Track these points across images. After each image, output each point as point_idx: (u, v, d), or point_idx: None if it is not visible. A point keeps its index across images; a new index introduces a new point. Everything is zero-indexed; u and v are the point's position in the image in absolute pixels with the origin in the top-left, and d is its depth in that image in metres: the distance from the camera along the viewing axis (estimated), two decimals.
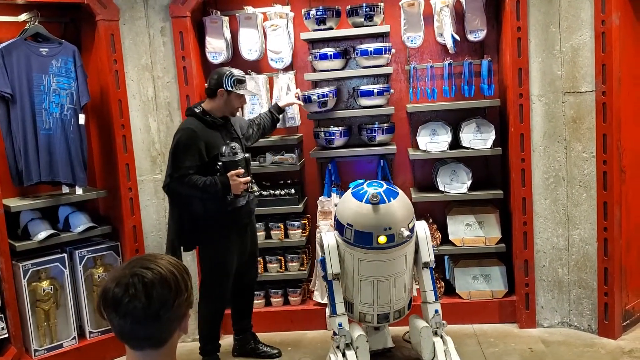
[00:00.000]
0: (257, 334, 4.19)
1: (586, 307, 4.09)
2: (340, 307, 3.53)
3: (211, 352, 3.86)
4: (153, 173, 4.30)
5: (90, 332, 4.16)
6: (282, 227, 4.48)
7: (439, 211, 4.61)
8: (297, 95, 4.26)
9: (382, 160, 4.50)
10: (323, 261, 3.57)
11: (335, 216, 3.57)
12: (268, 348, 4.11)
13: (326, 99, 4.32)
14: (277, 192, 4.47)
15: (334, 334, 3.53)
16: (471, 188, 4.34)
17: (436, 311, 3.59)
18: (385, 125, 4.42)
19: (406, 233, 3.30)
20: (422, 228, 3.64)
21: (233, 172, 3.52)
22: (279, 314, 4.50)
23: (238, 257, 3.80)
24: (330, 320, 3.62)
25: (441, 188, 4.34)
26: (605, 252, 3.95)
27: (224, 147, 3.60)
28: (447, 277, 4.63)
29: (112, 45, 4.07)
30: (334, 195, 4.46)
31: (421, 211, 4.67)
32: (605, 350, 3.85)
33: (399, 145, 4.54)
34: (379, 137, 4.40)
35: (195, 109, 3.67)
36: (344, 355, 3.45)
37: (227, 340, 4.26)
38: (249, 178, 3.61)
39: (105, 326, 4.14)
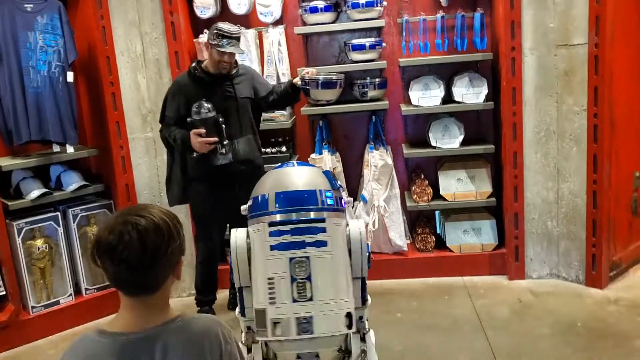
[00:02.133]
0: None
1: (574, 258, 4.17)
2: None
3: (204, 304, 3.94)
4: (144, 131, 4.28)
5: (86, 289, 4.20)
6: None
7: (431, 167, 4.64)
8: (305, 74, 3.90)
9: (373, 117, 4.48)
10: None
11: None
12: None
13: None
14: (268, 151, 4.46)
15: None
16: (463, 143, 4.36)
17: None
18: (377, 80, 4.39)
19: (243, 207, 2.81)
20: None
21: (195, 130, 3.54)
22: None
23: (228, 216, 3.82)
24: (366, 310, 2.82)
25: (433, 143, 4.35)
26: (594, 205, 4.01)
27: (193, 106, 3.58)
28: (438, 232, 4.69)
29: (98, 1, 3.99)
30: (325, 152, 4.46)
31: (413, 167, 4.72)
32: (593, 299, 3.95)
33: (391, 100, 4.52)
34: (371, 93, 4.38)
35: (193, 64, 3.73)
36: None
37: (223, 294, 4.33)
38: (214, 139, 3.55)
39: (100, 283, 4.18)
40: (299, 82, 3.76)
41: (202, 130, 3.54)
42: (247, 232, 2.68)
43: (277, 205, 2.62)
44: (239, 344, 1.61)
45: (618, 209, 4.17)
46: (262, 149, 4.45)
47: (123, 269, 1.43)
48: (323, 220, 2.62)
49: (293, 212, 2.62)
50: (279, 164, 3.00)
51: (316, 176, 2.77)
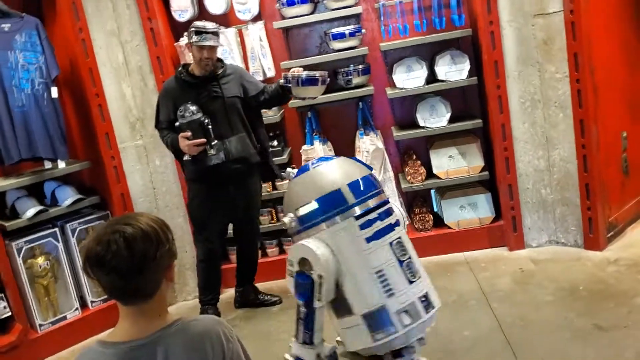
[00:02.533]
0: (257, 284, 4.30)
1: (571, 223, 4.22)
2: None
3: (208, 303, 3.97)
4: (134, 139, 4.29)
5: (92, 302, 4.23)
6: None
7: (423, 147, 4.67)
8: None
9: (360, 103, 4.51)
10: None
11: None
12: (269, 297, 4.22)
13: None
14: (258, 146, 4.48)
15: None
16: (451, 120, 4.39)
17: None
18: (360, 66, 4.42)
19: (286, 219, 2.62)
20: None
21: (182, 134, 3.59)
22: (276, 263, 4.58)
23: (227, 214, 3.86)
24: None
25: (421, 124, 4.38)
26: (585, 169, 4.05)
27: (179, 109, 3.61)
28: (436, 210, 4.74)
29: (75, 14, 3.99)
30: (316, 142, 4.49)
31: (405, 149, 4.75)
32: (592, 262, 4.00)
33: (376, 85, 4.55)
34: (356, 80, 4.41)
35: (179, 67, 3.79)
36: None
37: (229, 293, 4.37)
38: (202, 140, 3.57)
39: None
40: (282, 81, 3.73)
41: (188, 133, 3.56)
42: (322, 242, 2.46)
43: (354, 196, 2.51)
44: (241, 341, 1.63)
45: (609, 170, 4.22)
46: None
47: (115, 277, 1.45)
48: (389, 201, 2.68)
49: (370, 200, 2.57)
50: (297, 169, 2.82)
51: (352, 163, 2.73)
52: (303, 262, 2.54)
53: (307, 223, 2.54)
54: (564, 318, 3.38)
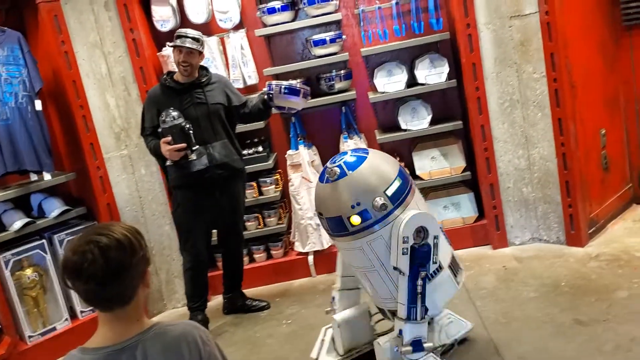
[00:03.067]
0: (245, 290, 4.33)
1: (553, 220, 4.29)
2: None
3: (196, 309, 3.99)
4: (119, 149, 4.32)
5: (81, 312, 4.25)
6: (255, 185, 4.57)
7: (406, 149, 4.73)
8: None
9: (343, 107, 4.57)
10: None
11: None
12: (257, 302, 4.26)
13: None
14: (245, 152, 4.52)
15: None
16: (432, 122, 4.46)
17: (400, 332, 2.77)
18: (342, 72, 4.48)
19: (380, 202, 2.64)
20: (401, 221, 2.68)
21: (163, 139, 3.63)
22: (264, 268, 4.63)
23: (212, 221, 3.90)
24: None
25: (403, 126, 4.45)
26: (565, 166, 4.12)
27: (161, 114, 3.65)
28: None
29: (58, 27, 4.03)
30: (301, 147, 4.54)
31: (388, 151, 4.77)
32: (575, 258, 4.06)
33: (359, 90, 4.61)
34: (338, 85, 4.47)
35: (164, 74, 3.86)
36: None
37: (218, 300, 4.41)
38: (182, 145, 3.60)
39: None
40: (265, 89, 3.76)
41: (169, 138, 3.60)
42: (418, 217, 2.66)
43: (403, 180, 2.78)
44: (218, 344, 1.67)
45: (589, 167, 4.29)
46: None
47: (92, 285, 1.49)
48: None
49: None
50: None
51: (371, 180, 2.76)
52: (418, 233, 2.69)
53: (399, 198, 2.70)
54: (547, 314, 3.44)
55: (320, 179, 2.83)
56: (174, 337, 1.58)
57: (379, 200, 2.65)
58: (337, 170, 2.72)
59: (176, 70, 3.85)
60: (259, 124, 4.47)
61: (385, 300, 2.93)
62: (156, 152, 3.77)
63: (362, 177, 2.70)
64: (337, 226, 2.76)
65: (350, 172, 2.71)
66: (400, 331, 2.77)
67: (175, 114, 3.64)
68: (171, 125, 3.62)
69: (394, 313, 2.87)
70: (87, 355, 1.55)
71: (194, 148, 3.65)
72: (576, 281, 3.75)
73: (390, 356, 2.81)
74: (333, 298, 3.22)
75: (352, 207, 2.67)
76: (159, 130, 3.69)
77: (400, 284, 2.76)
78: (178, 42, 3.68)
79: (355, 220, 2.68)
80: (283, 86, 3.66)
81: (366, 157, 2.77)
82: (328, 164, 2.79)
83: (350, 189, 2.69)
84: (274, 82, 3.77)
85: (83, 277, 1.48)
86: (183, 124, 3.61)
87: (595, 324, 3.24)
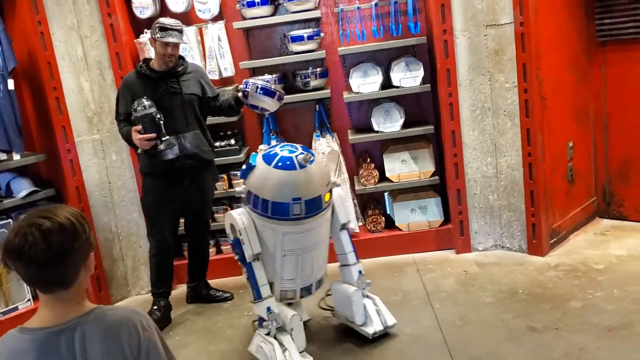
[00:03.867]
0: (211, 280, 4.36)
1: (516, 229, 4.37)
2: (266, 290, 3.24)
3: (160, 295, 4.01)
4: (91, 133, 4.32)
5: None
6: (226, 177, 4.59)
7: (378, 150, 4.78)
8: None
9: (317, 105, 4.60)
10: (238, 243, 3.23)
11: (246, 188, 3.25)
12: (220, 292, 4.29)
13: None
14: (217, 144, 4.54)
15: (260, 320, 3.23)
16: (405, 126, 4.50)
17: (360, 272, 3.49)
18: (318, 69, 4.51)
19: (333, 179, 3.24)
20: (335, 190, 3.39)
21: (134, 127, 3.64)
22: (230, 260, 4.61)
23: (180, 210, 3.91)
24: (255, 306, 3.26)
25: (376, 128, 4.49)
26: (530, 176, 4.20)
27: (134, 103, 3.64)
28: (389, 213, 4.85)
29: (35, 7, 4.01)
30: (273, 142, 4.56)
31: (360, 152, 4.85)
32: (534, 266, 4.14)
33: (335, 89, 4.65)
34: (313, 82, 4.50)
35: (140, 62, 3.84)
36: (280, 342, 3.17)
37: (182, 288, 4.43)
38: (152, 135, 3.60)
39: None
40: (241, 86, 3.78)
41: (139, 127, 3.61)
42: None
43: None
44: (159, 331, 1.70)
45: (555, 178, 4.37)
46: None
47: (33, 267, 1.51)
48: None
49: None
50: (282, 144, 3.38)
51: (322, 175, 3.24)
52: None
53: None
54: (501, 319, 3.51)
55: (292, 167, 3.07)
56: (114, 321, 1.60)
57: (332, 177, 3.19)
58: (311, 155, 3.09)
59: (152, 57, 3.85)
60: (232, 118, 4.48)
61: (320, 269, 3.44)
62: (128, 139, 3.77)
63: (320, 160, 3.22)
64: (314, 206, 3.09)
65: (314, 157, 3.13)
66: (360, 272, 3.50)
67: (147, 103, 3.63)
68: (142, 115, 3.61)
69: (319, 282, 3.48)
70: (26, 335, 1.57)
71: (163, 138, 3.66)
72: (533, 289, 3.83)
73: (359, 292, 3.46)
74: (269, 308, 3.23)
75: (327, 184, 3.15)
76: (132, 117, 3.69)
77: (343, 238, 3.49)
78: (162, 34, 3.63)
79: (328, 196, 3.15)
80: (259, 86, 3.68)
81: (315, 156, 3.21)
82: (297, 155, 3.11)
83: (320, 170, 3.18)
84: (250, 80, 3.78)
85: (24, 260, 1.50)
86: (154, 113, 3.61)
87: (547, 332, 3.31)
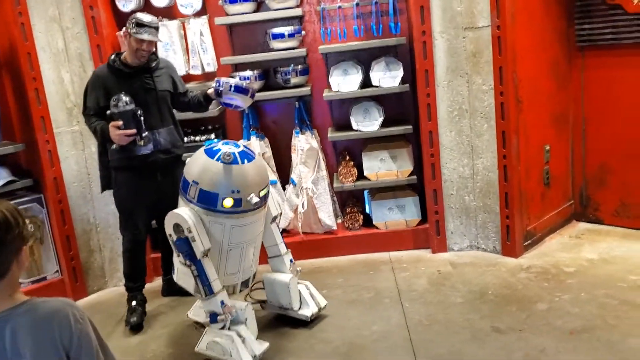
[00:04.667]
0: None
1: (491, 230, 4.40)
2: (217, 284, 3.25)
3: (133, 289, 4.03)
4: (70, 125, 4.34)
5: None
6: None
7: (358, 149, 4.80)
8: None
9: (297, 102, 4.63)
10: (184, 242, 3.20)
11: (182, 174, 3.33)
12: None
13: (248, 81, 4.30)
14: (197, 139, 4.59)
15: (213, 316, 3.24)
16: (384, 125, 4.53)
17: (291, 260, 3.68)
18: (299, 67, 4.54)
19: (255, 200, 3.15)
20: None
21: (113, 123, 3.61)
22: None
23: (154, 204, 3.92)
24: (207, 302, 3.27)
25: (355, 127, 4.52)
26: (505, 178, 4.23)
27: (112, 99, 3.63)
28: (368, 211, 4.88)
29: None
30: (253, 138, 4.60)
31: (340, 150, 4.89)
32: (507, 268, 4.18)
33: (317, 86, 4.68)
34: (294, 79, 4.53)
35: (112, 56, 3.80)
36: (238, 334, 3.22)
37: (158, 282, 4.47)
38: (133, 131, 3.62)
39: (35, 276, 4.28)
40: (214, 84, 3.80)
41: (120, 123, 3.61)
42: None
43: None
44: (93, 323, 1.73)
45: (530, 181, 4.40)
46: (192, 137, 4.61)
47: None
48: None
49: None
50: (225, 140, 3.48)
51: (255, 177, 3.26)
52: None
53: None
54: (467, 319, 3.54)
55: (210, 155, 3.20)
56: (45, 313, 1.63)
57: (253, 198, 3.17)
58: (232, 156, 3.16)
59: (123, 51, 3.84)
60: (212, 112, 4.50)
61: (253, 264, 3.50)
62: (102, 134, 3.74)
63: (248, 172, 3.19)
64: (206, 200, 3.17)
65: (242, 163, 3.19)
66: (291, 260, 3.68)
67: (127, 99, 3.63)
68: (123, 111, 3.60)
69: (254, 275, 3.58)
70: None
71: (143, 135, 3.67)
72: (502, 290, 3.86)
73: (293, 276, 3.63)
74: (222, 302, 3.27)
75: (232, 192, 3.15)
76: (108, 112, 3.66)
77: (274, 230, 3.64)
78: (138, 30, 3.62)
79: (227, 203, 3.15)
80: (232, 85, 3.71)
81: (254, 157, 3.34)
82: (221, 145, 3.27)
83: (237, 177, 3.16)
84: (223, 79, 3.80)
85: None
86: (135, 110, 3.62)
87: (511, 333, 3.35)
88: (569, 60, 4.61)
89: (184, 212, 3.20)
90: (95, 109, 3.76)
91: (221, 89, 3.72)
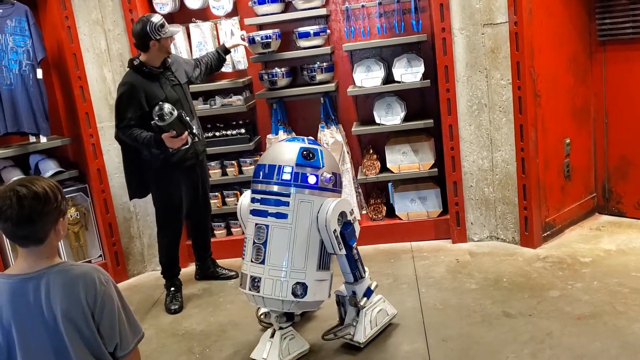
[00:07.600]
0: (220, 260, 4.69)
1: (510, 221, 4.53)
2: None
3: (171, 277, 4.31)
4: (111, 120, 4.62)
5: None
6: (236, 164, 4.90)
7: (382, 142, 4.99)
8: (242, 37, 4.56)
9: (323, 98, 4.85)
10: (351, 226, 3.20)
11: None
12: (226, 271, 4.60)
13: (269, 40, 4.63)
14: (228, 133, 4.86)
15: (369, 291, 3.40)
16: (407, 119, 4.71)
17: (353, 293, 3.40)
18: (324, 64, 4.75)
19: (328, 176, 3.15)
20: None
21: (166, 135, 3.72)
22: (239, 241, 4.90)
23: (189, 195, 4.17)
24: (362, 283, 3.40)
25: (377, 121, 4.71)
26: (523, 170, 4.35)
27: (154, 110, 3.72)
28: (392, 202, 5.06)
29: (63, 3, 4.38)
30: (280, 132, 4.84)
31: (365, 143, 5.08)
32: (523, 257, 4.30)
33: (343, 82, 4.89)
34: (319, 76, 4.75)
35: (134, 62, 3.92)
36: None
37: (191, 267, 4.77)
38: (185, 133, 3.77)
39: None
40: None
41: (174, 132, 3.75)
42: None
43: (255, 175, 3.21)
44: (118, 288, 2.02)
45: (549, 174, 4.50)
46: (224, 131, 4.89)
47: (9, 225, 1.86)
48: (287, 195, 3.09)
49: (259, 184, 3.19)
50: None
51: (287, 152, 3.16)
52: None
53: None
54: (480, 304, 3.70)
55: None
56: (75, 274, 1.92)
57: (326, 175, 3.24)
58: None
59: (138, 54, 3.97)
60: (242, 108, 4.77)
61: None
62: (157, 144, 3.77)
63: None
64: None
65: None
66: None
67: (168, 107, 3.72)
68: (170, 122, 3.71)
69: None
70: (3, 279, 1.93)
71: (194, 131, 3.87)
72: (517, 278, 3.99)
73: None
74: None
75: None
76: (154, 123, 3.72)
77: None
78: (169, 29, 3.85)
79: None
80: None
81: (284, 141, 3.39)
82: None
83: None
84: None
85: (2, 218, 1.85)
86: (179, 113, 3.75)
87: (520, 317, 3.49)
88: (590, 55, 4.68)
89: (340, 200, 3.17)
90: (136, 119, 3.83)
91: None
